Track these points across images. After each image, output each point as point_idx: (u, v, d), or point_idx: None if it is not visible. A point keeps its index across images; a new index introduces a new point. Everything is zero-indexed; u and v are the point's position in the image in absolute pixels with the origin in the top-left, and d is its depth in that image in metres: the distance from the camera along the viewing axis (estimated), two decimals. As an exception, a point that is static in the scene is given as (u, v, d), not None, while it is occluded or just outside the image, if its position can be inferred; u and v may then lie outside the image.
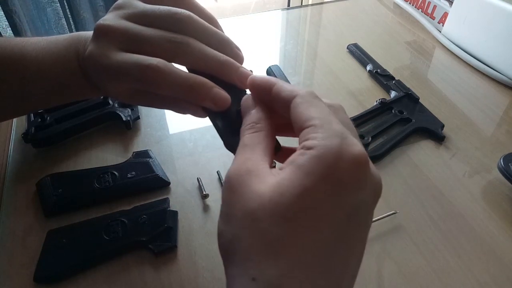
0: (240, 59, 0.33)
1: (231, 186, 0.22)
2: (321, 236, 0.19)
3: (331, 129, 0.20)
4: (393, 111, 0.54)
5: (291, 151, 0.24)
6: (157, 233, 0.37)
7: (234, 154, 0.25)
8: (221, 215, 0.22)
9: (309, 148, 0.20)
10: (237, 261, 0.20)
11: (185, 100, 0.31)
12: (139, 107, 0.53)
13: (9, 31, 1.33)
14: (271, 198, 0.19)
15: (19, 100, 0.37)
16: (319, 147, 0.19)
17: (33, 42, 0.36)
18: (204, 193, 0.42)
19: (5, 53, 0.35)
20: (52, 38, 0.37)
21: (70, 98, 0.40)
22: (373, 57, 0.65)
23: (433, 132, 0.51)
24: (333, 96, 0.58)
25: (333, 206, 0.19)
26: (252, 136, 0.24)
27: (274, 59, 0.66)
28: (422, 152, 0.49)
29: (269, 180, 0.20)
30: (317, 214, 0.19)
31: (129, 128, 0.50)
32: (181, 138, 0.50)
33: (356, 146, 0.20)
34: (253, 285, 0.19)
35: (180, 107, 0.35)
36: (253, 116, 0.26)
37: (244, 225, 0.20)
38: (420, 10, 0.79)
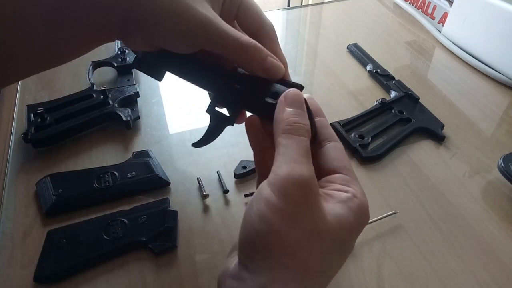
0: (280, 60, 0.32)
1: (306, 193, 0.23)
2: (343, 259, 0.26)
3: (360, 186, 0.27)
4: (393, 111, 0.54)
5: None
6: (157, 233, 0.37)
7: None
8: (284, 214, 0.22)
9: (356, 196, 0.25)
10: (293, 268, 0.22)
11: (234, 60, 0.31)
12: (139, 107, 0.53)
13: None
14: (334, 230, 0.23)
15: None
16: (362, 202, 0.26)
17: None
18: (204, 193, 0.42)
19: None
20: None
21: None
22: (373, 57, 0.65)
23: (433, 132, 0.51)
24: (333, 96, 0.58)
25: (355, 238, 0.27)
26: (308, 142, 0.25)
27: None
28: (422, 152, 0.49)
29: (330, 210, 0.24)
30: (349, 246, 0.26)
31: (129, 128, 0.50)
32: (181, 138, 0.50)
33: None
34: None
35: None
36: (306, 117, 0.26)
37: (311, 240, 0.23)
38: (420, 10, 0.79)
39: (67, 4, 0.26)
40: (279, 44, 0.33)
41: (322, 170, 0.27)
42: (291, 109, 0.26)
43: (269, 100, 0.28)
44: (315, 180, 0.23)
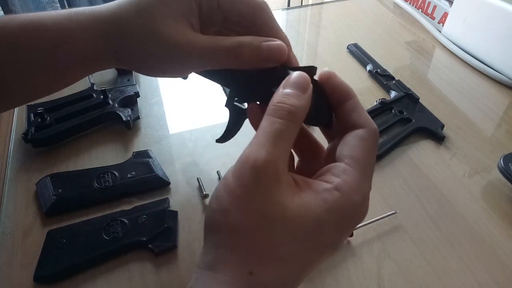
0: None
1: (258, 178, 0.21)
2: (313, 255, 0.23)
3: (360, 182, 0.23)
4: (393, 111, 0.54)
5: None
6: (157, 233, 0.37)
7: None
8: (234, 195, 0.22)
9: (337, 189, 0.23)
10: (237, 248, 0.21)
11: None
12: (139, 107, 0.53)
13: (9, 31, 1.33)
14: (292, 218, 0.22)
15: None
16: (345, 197, 0.23)
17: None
18: (204, 193, 0.42)
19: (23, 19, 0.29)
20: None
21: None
22: (373, 57, 0.65)
23: (433, 132, 0.51)
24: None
25: (332, 235, 0.23)
26: (290, 126, 0.23)
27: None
28: (422, 152, 0.49)
29: (294, 198, 0.22)
30: (320, 241, 0.23)
31: (129, 128, 0.50)
32: (181, 138, 0.50)
33: (366, 211, 0.25)
34: (249, 278, 0.21)
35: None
36: (301, 99, 0.24)
37: (260, 224, 0.21)
38: (420, 10, 0.79)
39: (62, 52, 0.29)
40: (276, 21, 0.31)
41: (336, 158, 0.25)
42: (285, 90, 0.24)
43: (274, 89, 0.26)
44: (276, 165, 0.22)
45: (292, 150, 0.29)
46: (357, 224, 0.25)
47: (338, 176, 0.23)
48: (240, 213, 0.21)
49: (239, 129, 0.32)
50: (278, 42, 0.28)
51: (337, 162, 0.24)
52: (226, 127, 0.33)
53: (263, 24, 0.30)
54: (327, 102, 0.27)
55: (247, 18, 0.30)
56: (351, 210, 0.23)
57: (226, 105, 0.32)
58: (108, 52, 0.29)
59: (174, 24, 0.28)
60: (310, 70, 0.26)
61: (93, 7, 0.29)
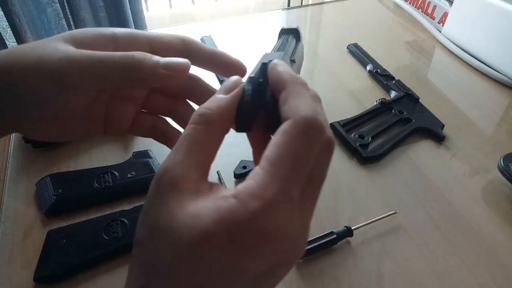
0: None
1: (157, 187, 0.20)
2: (211, 275, 0.18)
3: (262, 187, 0.18)
4: (393, 111, 0.54)
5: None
6: (157, 233, 0.37)
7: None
8: (142, 209, 0.21)
9: (235, 196, 0.18)
10: (135, 262, 0.20)
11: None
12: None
13: (9, 31, 1.33)
14: (178, 228, 0.18)
15: None
16: (239, 203, 0.18)
17: None
18: (204, 193, 0.42)
19: None
20: None
21: None
22: (373, 57, 0.65)
23: (433, 132, 0.51)
24: (333, 96, 0.58)
25: (229, 255, 0.18)
26: (198, 128, 0.21)
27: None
28: (422, 152, 0.49)
29: (187, 206, 0.19)
30: (213, 256, 0.18)
31: (129, 128, 0.50)
32: (181, 138, 0.50)
33: (276, 222, 0.18)
34: None
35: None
36: (219, 100, 0.22)
37: (151, 235, 0.19)
38: (420, 10, 0.79)
39: None
40: (213, 48, 0.30)
41: None
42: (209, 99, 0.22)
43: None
44: (174, 171, 0.20)
45: None
46: (269, 243, 0.18)
47: (243, 183, 0.19)
48: (140, 225, 0.20)
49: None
50: (180, 61, 0.26)
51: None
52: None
53: (198, 50, 0.29)
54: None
55: (181, 57, 0.28)
56: (245, 221, 0.18)
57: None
58: None
59: (64, 46, 0.25)
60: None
61: None
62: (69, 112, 0.26)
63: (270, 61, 0.24)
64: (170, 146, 0.30)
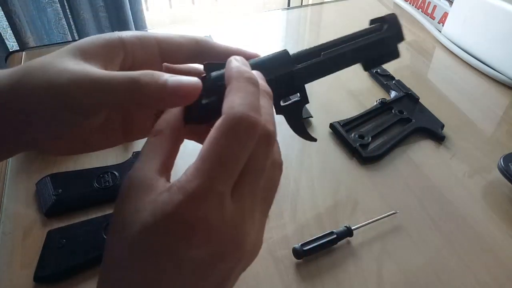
0: None
1: (122, 191, 0.22)
2: (155, 268, 0.19)
3: (187, 180, 0.20)
4: (393, 111, 0.54)
5: None
6: (157, 233, 0.37)
7: None
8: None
9: (168, 189, 0.20)
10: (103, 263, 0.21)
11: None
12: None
13: (9, 31, 1.33)
14: (125, 224, 0.20)
15: None
16: (168, 196, 0.19)
17: None
18: (204, 193, 0.42)
19: None
20: None
21: None
22: (373, 57, 0.65)
23: (433, 132, 0.51)
24: (333, 96, 0.58)
25: (167, 246, 0.19)
26: (155, 141, 0.24)
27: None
28: (422, 152, 0.49)
29: (135, 203, 0.20)
30: (154, 250, 0.19)
31: (129, 128, 0.50)
32: (181, 138, 0.50)
33: (200, 217, 0.19)
34: (102, 285, 0.21)
35: None
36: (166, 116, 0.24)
37: (111, 234, 0.21)
38: (420, 10, 0.79)
39: None
40: (228, 45, 0.29)
41: None
42: None
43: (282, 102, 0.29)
44: (137, 174, 0.21)
45: None
46: (196, 233, 0.19)
47: (186, 172, 0.20)
48: (112, 234, 0.22)
49: (301, 120, 0.31)
50: (192, 78, 0.23)
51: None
52: (292, 129, 0.30)
53: (212, 49, 0.28)
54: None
55: (193, 58, 0.28)
56: (172, 212, 0.19)
57: (277, 113, 0.29)
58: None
59: (73, 64, 0.24)
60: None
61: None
62: (85, 129, 0.25)
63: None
64: (197, 140, 0.30)
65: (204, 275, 0.20)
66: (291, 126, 0.30)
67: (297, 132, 0.30)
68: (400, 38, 0.33)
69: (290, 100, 0.30)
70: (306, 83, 0.29)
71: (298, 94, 0.29)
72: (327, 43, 0.32)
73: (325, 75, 0.30)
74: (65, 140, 0.26)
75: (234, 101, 0.21)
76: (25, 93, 0.23)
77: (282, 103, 0.29)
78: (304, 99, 0.30)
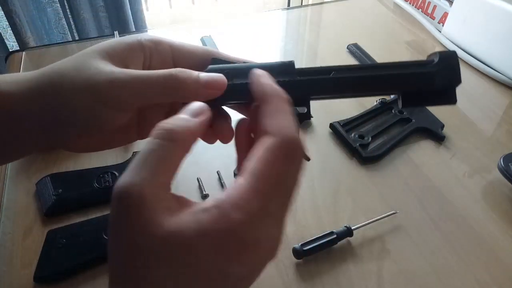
0: None
1: (122, 203, 0.20)
2: (202, 285, 0.19)
3: (247, 199, 0.20)
4: (393, 111, 0.54)
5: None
6: (157, 233, 0.37)
7: None
8: (109, 222, 0.20)
9: (217, 207, 0.19)
10: (111, 277, 0.20)
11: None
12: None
13: (9, 31, 1.33)
14: (161, 245, 0.19)
15: None
16: (221, 214, 0.19)
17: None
18: (204, 193, 0.42)
19: None
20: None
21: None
22: (373, 57, 0.65)
23: (433, 132, 0.51)
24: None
25: (217, 265, 0.19)
26: (165, 145, 0.21)
27: (274, 59, 0.66)
28: (422, 152, 0.49)
29: (163, 222, 0.19)
30: (202, 269, 0.19)
31: (129, 128, 0.50)
32: (181, 138, 0.50)
33: (262, 236, 0.20)
34: None
35: None
36: (187, 121, 0.23)
37: (126, 251, 0.19)
38: (420, 10, 0.79)
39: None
40: (237, 56, 0.30)
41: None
42: (176, 115, 0.23)
43: None
44: (142, 189, 0.19)
45: None
46: (248, 253, 0.20)
47: (226, 193, 0.20)
48: (113, 242, 0.20)
49: None
50: (218, 74, 0.27)
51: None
52: None
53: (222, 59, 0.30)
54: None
55: (203, 66, 0.29)
56: (227, 230, 0.19)
57: None
58: (38, 105, 0.25)
59: (105, 65, 0.26)
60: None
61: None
62: (116, 125, 0.27)
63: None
64: (205, 139, 0.31)
65: (240, 285, 0.21)
66: None
67: None
68: (455, 79, 0.28)
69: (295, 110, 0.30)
70: (311, 98, 0.29)
71: (305, 108, 0.29)
72: (354, 65, 0.30)
73: (338, 96, 0.29)
74: (93, 137, 0.28)
75: (282, 124, 0.22)
76: (60, 94, 0.25)
77: None
78: (306, 115, 0.29)
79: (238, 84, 0.27)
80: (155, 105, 0.30)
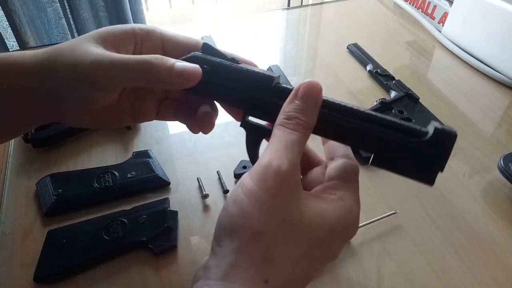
0: None
1: (283, 184, 0.23)
2: (319, 263, 0.26)
3: (356, 198, 0.27)
4: (393, 111, 0.54)
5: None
6: (157, 233, 0.37)
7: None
8: (257, 198, 0.23)
9: (343, 200, 0.26)
10: (256, 255, 0.22)
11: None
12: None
13: (9, 31, 1.33)
14: (309, 224, 0.24)
15: None
16: (349, 207, 0.26)
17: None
18: (204, 193, 0.42)
19: None
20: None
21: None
22: (373, 57, 0.65)
23: (433, 132, 0.50)
24: (333, 96, 0.58)
25: (337, 245, 0.27)
26: (303, 138, 0.25)
27: (274, 59, 0.66)
28: (422, 152, 0.49)
29: (311, 205, 0.24)
30: (331, 247, 0.26)
31: (129, 128, 0.50)
32: (181, 138, 0.50)
33: (358, 224, 0.27)
34: (265, 286, 0.22)
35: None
36: (312, 113, 0.26)
37: (280, 228, 0.23)
38: (420, 10, 0.79)
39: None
40: (225, 50, 0.32)
41: (327, 177, 0.29)
42: (298, 103, 0.26)
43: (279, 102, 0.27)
44: (296, 173, 0.24)
45: None
46: (354, 235, 0.28)
47: (337, 189, 0.26)
48: (264, 216, 0.22)
49: (254, 150, 0.30)
50: (193, 66, 0.28)
51: (327, 181, 0.28)
52: (248, 151, 0.30)
53: (210, 52, 0.31)
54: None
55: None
56: (353, 220, 0.26)
57: (241, 125, 0.30)
58: (40, 79, 0.28)
59: (95, 47, 0.28)
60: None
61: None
62: (101, 104, 0.30)
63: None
64: (190, 128, 0.34)
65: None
66: (246, 145, 0.30)
67: (249, 153, 0.30)
68: (438, 165, 0.26)
69: (258, 121, 0.30)
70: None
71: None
72: (334, 104, 0.28)
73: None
74: (85, 113, 0.31)
75: (348, 152, 0.30)
76: (55, 70, 0.28)
77: (249, 118, 0.30)
78: (267, 131, 0.28)
79: (215, 83, 0.29)
80: (149, 91, 0.33)
